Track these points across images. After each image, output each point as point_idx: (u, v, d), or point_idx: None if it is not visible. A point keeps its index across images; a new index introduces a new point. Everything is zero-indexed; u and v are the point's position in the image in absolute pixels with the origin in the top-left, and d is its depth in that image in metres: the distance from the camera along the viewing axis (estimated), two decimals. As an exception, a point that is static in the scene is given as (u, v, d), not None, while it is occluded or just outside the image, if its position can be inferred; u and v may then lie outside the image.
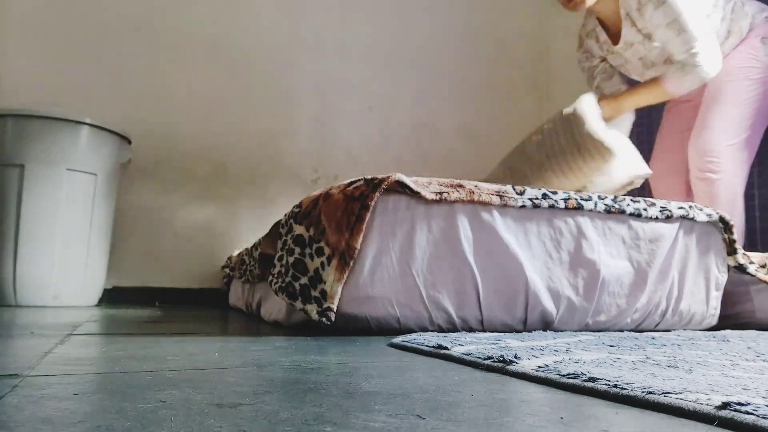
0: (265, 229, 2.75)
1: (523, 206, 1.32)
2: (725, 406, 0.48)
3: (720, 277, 1.56)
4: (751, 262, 1.59)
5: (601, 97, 1.98)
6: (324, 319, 1.16)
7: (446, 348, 0.89)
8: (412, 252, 1.23)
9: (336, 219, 1.19)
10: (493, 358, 0.77)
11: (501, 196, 1.30)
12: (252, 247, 1.76)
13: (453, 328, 1.28)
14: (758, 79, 1.95)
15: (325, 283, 1.18)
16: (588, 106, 1.85)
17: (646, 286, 1.44)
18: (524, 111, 3.50)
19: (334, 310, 1.17)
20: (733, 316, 1.64)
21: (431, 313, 1.25)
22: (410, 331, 1.25)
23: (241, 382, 0.63)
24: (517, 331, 1.31)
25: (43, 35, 2.55)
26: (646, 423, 0.48)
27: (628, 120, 2.05)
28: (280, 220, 1.39)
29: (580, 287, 1.36)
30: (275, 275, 1.29)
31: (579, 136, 1.82)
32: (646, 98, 1.96)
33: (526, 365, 0.71)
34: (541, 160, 1.95)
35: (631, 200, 1.44)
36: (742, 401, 0.48)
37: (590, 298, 1.37)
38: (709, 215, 1.51)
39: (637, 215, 1.43)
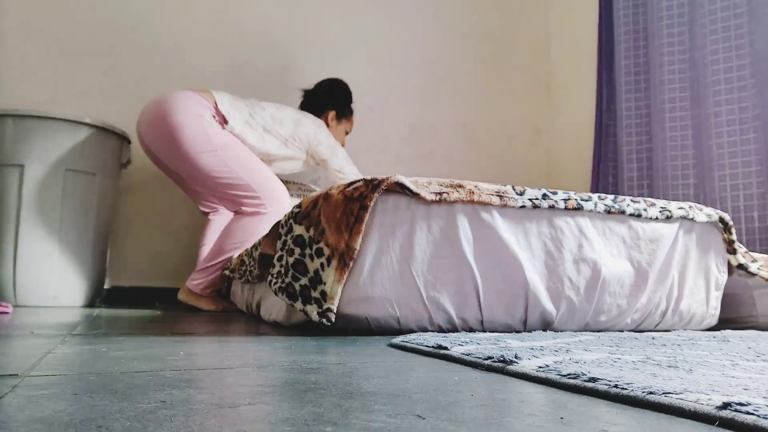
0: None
1: (523, 206, 1.32)
2: (726, 406, 0.48)
3: (720, 277, 1.56)
4: (753, 261, 1.59)
5: None
6: (324, 320, 1.16)
7: (446, 348, 0.89)
8: (412, 252, 1.23)
9: (335, 219, 1.19)
10: (493, 358, 0.77)
11: (501, 197, 1.30)
12: (252, 248, 1.76)
13: (453, 329, 1.28)
14: None
15: (325, 284, 1.18)
16: None
17: (647, 286, 1.44)
18: (524, 111, 3.50)
19: (335, 311, 1.17)
20: (735, 320, 1.64)
21: (431, 313, 1.25)
22: (410, 331, 1.25)
23: (241, 382, 0.63)
24: (517, 332, 1.31)
25: (42, 35, 2.55)
26: (647, 423, 0.48)
27: None
28: (280, 220, 1.39)
29: (581, 287, 1.36)
30: (274, 275, 1.29)
31: None
32: None
33: (527, 365, 0.71)
34: None
35: (631, 200, 1.44)
36: (742, 401, 0.48)
37: (591, 298, 1.37)
38: (709, 215, 1.51)
39: (637, 215, 1.43)
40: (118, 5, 2.68)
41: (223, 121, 2.16)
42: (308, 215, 1.24)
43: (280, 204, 2.22)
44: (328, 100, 2.55)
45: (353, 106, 2.65)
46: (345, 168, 2.40)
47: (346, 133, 2.63)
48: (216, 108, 2.16)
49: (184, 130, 2.08)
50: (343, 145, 2.58)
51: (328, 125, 2.52)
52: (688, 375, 0.66)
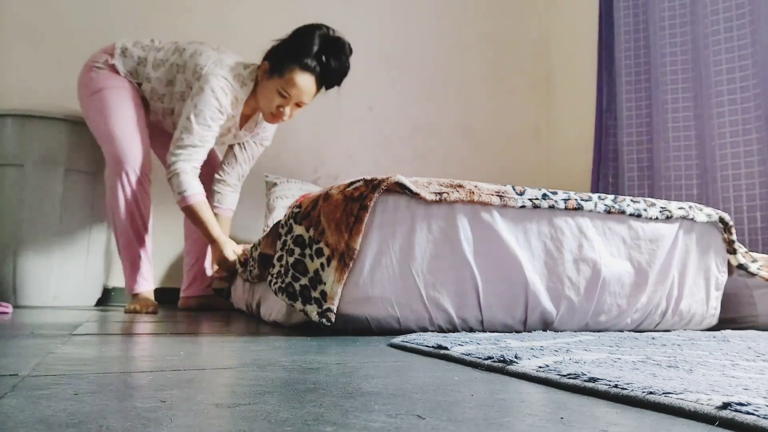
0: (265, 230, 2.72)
1: (523, 206, 1.32)
2: (726, 406, 0.48)
3: (720, 276, 1.56)
4: (753, 261, 1.59)
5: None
6: (324, 320, 1.16)
7: (446, 348, 0.89)
8: (412, 252, 1.23)
9: (335, 220, 1.19)
10: (493, 358, 0.77)
11: (501, 197, 1.30)
12: (252, 247, 1.76)
13: (453, 329, 1.28)
14: None
15: (325, 284, 1.18)
16: None
17: (647, 286, 1.44)
18: (524, 111, 3.50)
19: (335, 311, 1.17)
20: (735, 320, 1.64)
21: (431, 313, 1.25)
22: (410, 331, 1.25)
23: (241, 382, 0.63)
24: (517, 332, 1.31)
25: (42, 35, 2.55)
26: (647, 423, 0.48)
27: None
28: (280, 220, 1.39)
29: (581, 287, 1.36)
30: (274, 275, 1.29)
31: None
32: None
33: (527, 365, 0.71)
34: None
35: (632, 200, 1.44)
36: (742, 401, 0.48)
37: (591, 298, 1.37)
38: (709, 215, 1.51)
39: (637, 215, 1.43)
40: (119, 5, 2.68)
41: (113, 68, 1.99)
42: (308, 215, 1.24)
43: (123, 169, 1.89)
44: (272, 49, 1.97)
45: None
46: (186, 142, 1.84)
47: (281, 96, 1.94)
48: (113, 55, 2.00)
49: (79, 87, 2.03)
50: (276, 115, 2.00)
51: (257, 82, 2.01)
52: (688, 375, 0.66)
